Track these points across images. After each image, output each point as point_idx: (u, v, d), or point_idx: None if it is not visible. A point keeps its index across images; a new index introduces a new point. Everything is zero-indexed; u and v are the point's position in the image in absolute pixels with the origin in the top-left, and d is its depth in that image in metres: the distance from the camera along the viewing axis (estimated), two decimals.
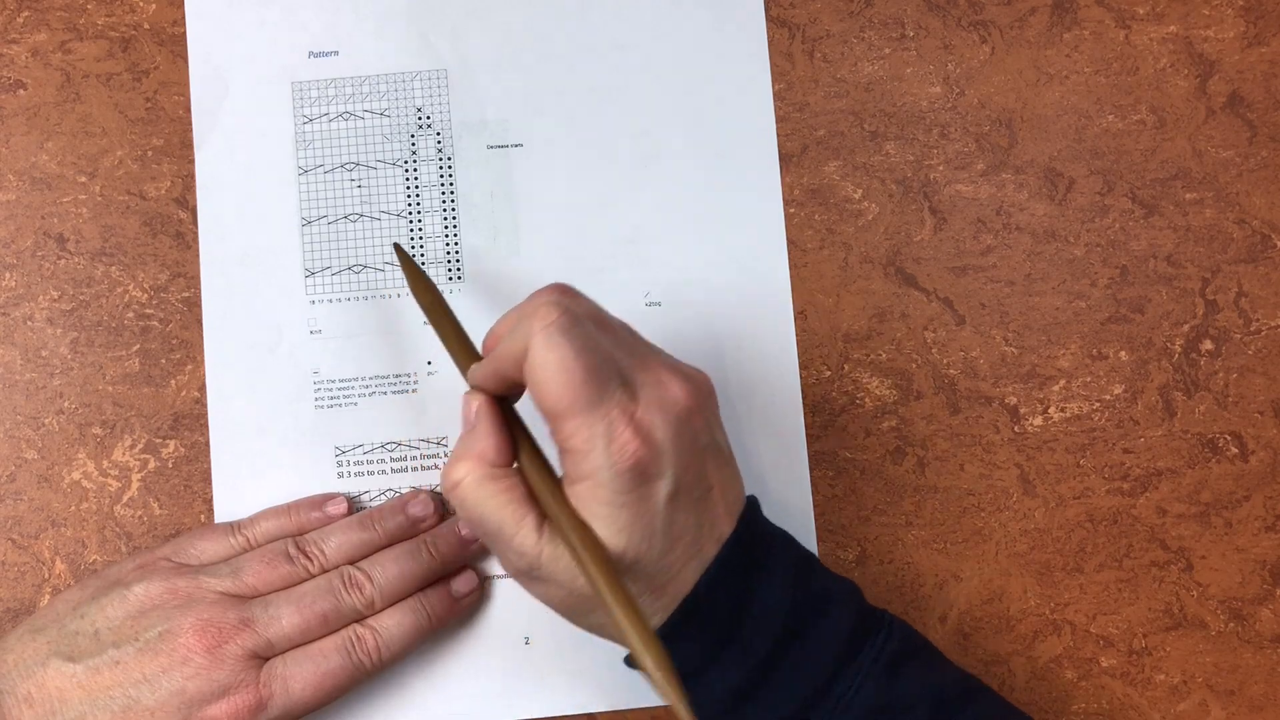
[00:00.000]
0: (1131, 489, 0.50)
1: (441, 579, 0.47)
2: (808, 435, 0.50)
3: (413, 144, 0.51)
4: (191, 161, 0.50)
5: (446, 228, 0.50)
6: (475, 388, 0.40)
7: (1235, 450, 0.51)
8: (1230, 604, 0.50)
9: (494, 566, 0.49)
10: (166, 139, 0.50)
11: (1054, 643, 0.50)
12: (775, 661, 0.38)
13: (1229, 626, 0.50)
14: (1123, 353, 0.51)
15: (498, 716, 0.48)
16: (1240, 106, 0.52)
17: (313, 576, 0.45)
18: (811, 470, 0.50)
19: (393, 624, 0.45)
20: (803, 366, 0.50)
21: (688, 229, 0.51)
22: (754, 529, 0.40)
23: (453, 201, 0.50)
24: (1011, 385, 0.51)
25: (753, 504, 0.40)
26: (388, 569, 0.45)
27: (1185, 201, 0.51)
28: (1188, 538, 0.50)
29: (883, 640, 0.39)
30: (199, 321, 0.50)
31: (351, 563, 0.45)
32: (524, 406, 0.40)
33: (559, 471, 0.38)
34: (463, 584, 0.47)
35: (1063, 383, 0.51)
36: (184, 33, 0.51)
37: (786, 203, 0.51)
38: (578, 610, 0.38)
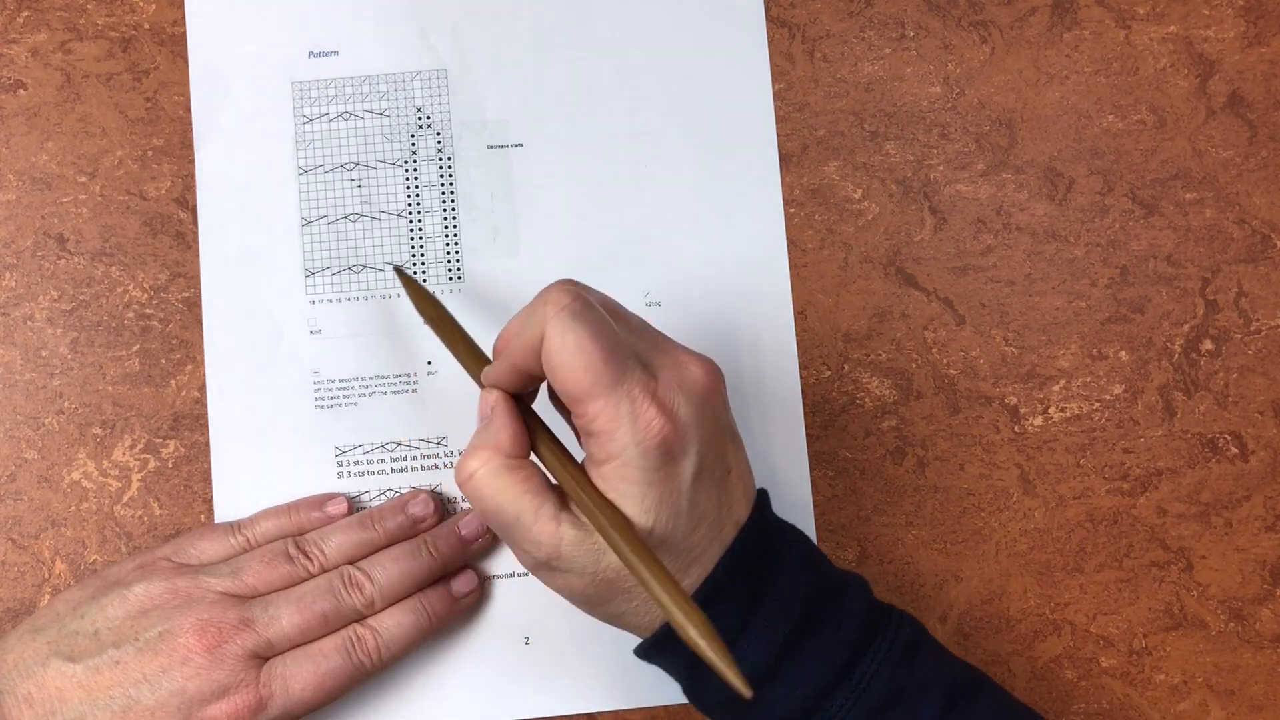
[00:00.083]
0: (1131, 489, 0.50)
1: (441, 579, 0.47)
2: (808, 435, 0.50)
3: (413, 144, 0.51)
4: (191, 161, 0.50)
5: (446, 228, 0.50)
6: (490, 388, 0.40)
7: (1235, 450, 0.51)
8: (1230, 604, 0.50)
9: (494, 566, 0.49)
10: (166, 139, 0.50)
11: (1054, 643, 0.50)
12: (793, 646, 0.38)
13: (1229, 626, 0.50)
14: (1123, 353, 0.51)
15: (498, 716, 0.48)
16: (1240, 106, 0.52)
17: (313, 576, 0.45)
18: (811, 470, 0.50)
19: (393, 624, 0.45)
20: (803, 366, 0.50)
21: (688, 229, 0.51)
22: (768, 516, 0.40)
23: (453, 201, 0.50)
24: (1011, 385, 0.51)
25: (764, 494, 0.41)
26: (388, 569, 0.45)
27: (1185, 201, 0.51)
28: (1188, 538, 0.50)
29: (894, 628, 0.39)
30: (199, 321, 0.50)
31: (351, 563, 0.45)
32: (540, 407, 0.40)
33: (577, 462, 0.38)
34: (463, 584, 0.47)
35: (1063, 383, 0.51)
36: (184, 33, 0.51)
37: (786, 203, 0.51)
38: (598, 598, 0.38)
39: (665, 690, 0.48)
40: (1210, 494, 0.50)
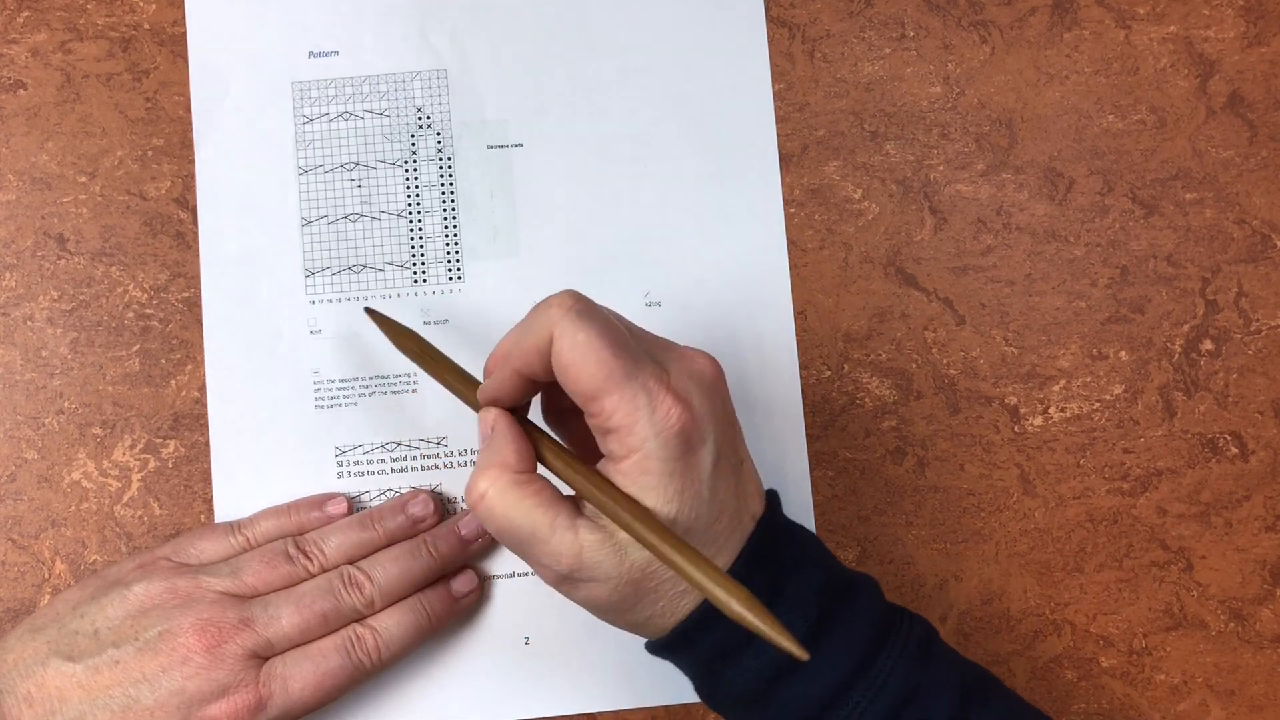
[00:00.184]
0: (1131, 489, 0.50)
1: (441, 579, 0.47)
2: (808, 435, 0.50)
3: (413, 144, 0.51)
4: (191, 161, 0.50)
5: (446, 228, 0.50)
6: (488, 403, 0.39)
7: (1235, 450, 0.51)
8: (1230, 604, 0.50)
9: (494, 566, 0.49)
10: (166, 139, 0.50)
11: (1054, 643, 0.50)
12: (810, 643, 0.38)
13: (1229, 626, 0.50)
14: (1123, 353, 0.51)
15: (498, 716, 0.48)
16: (1240, 106, 0.52)
17: (312, 576, 0.45)
18: (811, 470, 0.50)
19: (392, 624, 0.45)
20: (803, 366, 0.50)
21: (688, 229, 0.51)
22: (780, 515, 0.40)
23: (453, 201, 0.50)
24: (1011, 385, 0.51)
25: (775, 494, 0.41)
26: (388, 569, 0.45)
27: (1185, 201, 0.51)
28: (1188, 538, 0.50)
29: (907, 627, 0.39)
30: (199, 321, 0.50)
31: (351, 562, 0.45)
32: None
33: (587, 467, 0.38)
34: (463, 584, 0.47)
35: (1063, 383, 0.51)
36: (184, 33, 0.51)
37: (786, 203, 0.51)
38: (624, 604, 0.38)
39: (665, 690, 0.48)
40: (1210, 494, 0.50)
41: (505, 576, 0.49)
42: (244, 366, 0.49)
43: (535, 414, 0.41)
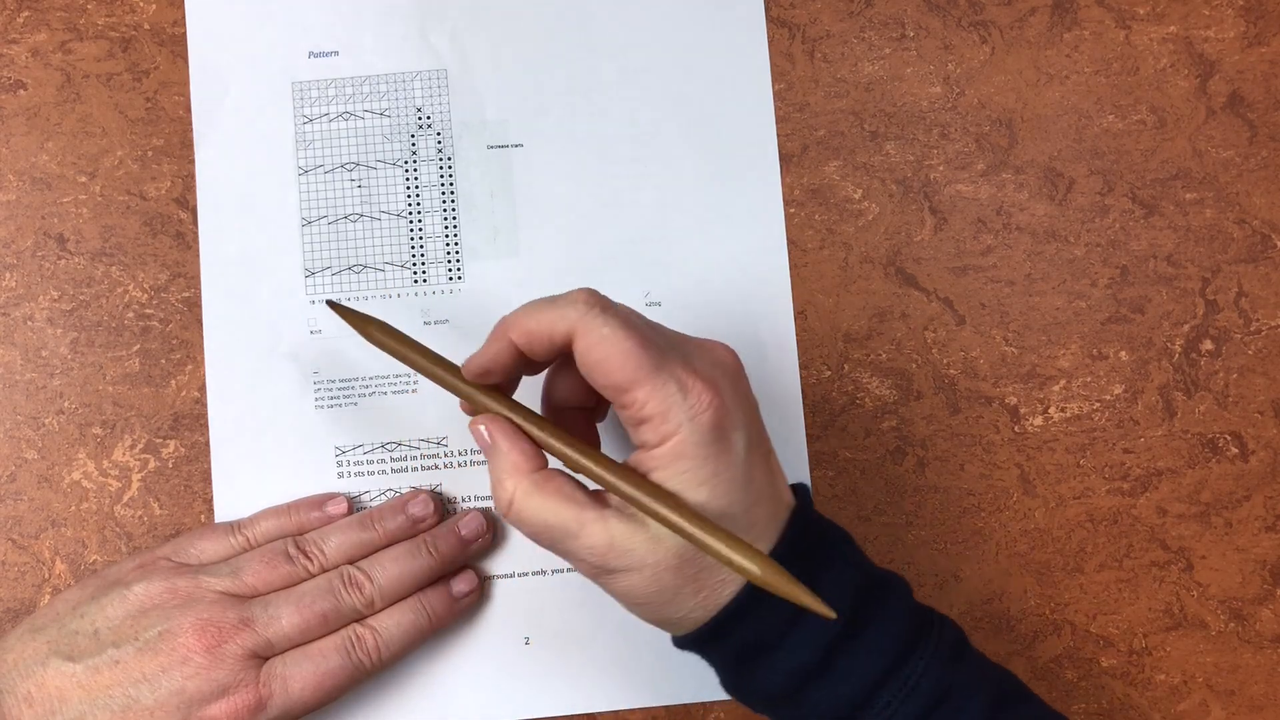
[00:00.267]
0: (1131, 489, 0.50)
1: (441, 579, 0.47)
2: (808, 435, 0.50)
3: (413, 144, 0.51)
4: (191, 161, 0.50)
5: (446, 228, 0.50)
6: (474, 373, 0.39)
7: (1235, 450, 0.51)
8: (1230, 604, 0.50)
9: (494, 566, 0.49)
10: (166, 139, 0.50)
11: (1054, 643, 0.50)
12: (845, 640, 0.38)
13: (1229, 626, 0.50)
14: (1123, 353, 0.51)
15: (498, 716, 0.48)
16: (1240, 106, 0.52)
17: (313, 576, 0.45)
18: (811, 470, 0.50)
19: (392, 624, 0.45)
20: (803, 366, 0.50)
21: (688, 229, 0.51)
22: (813, 507, 0.40)
23: (453, 201, 0.50)
24: (1011, 385, 0.51)
25: (806, 487, 0.40)
26: (388, 569, 0.45)
27: (1185, 201, 0.51)
28: (1188, 538, 0.50)
29: (939, 628, 0.39)
30: (199, 321, 0.50)
31: (351, 562, 0.45)
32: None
33: (614, 460, 0.38)
34: (463, 584, 0.47)
35: (1063, 383, 0.51)
36: (184, 33, 0.51)
37: (786, 203, 0.51)
38: (662, 595, 0.37)
39: (665, 690, 0.48)
40: (1210, 494, 0.50)
41: (505, 576, 0.49)
42: (244, 366, 0.49)
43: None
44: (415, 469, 0.49)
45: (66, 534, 0.49)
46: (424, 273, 0.50)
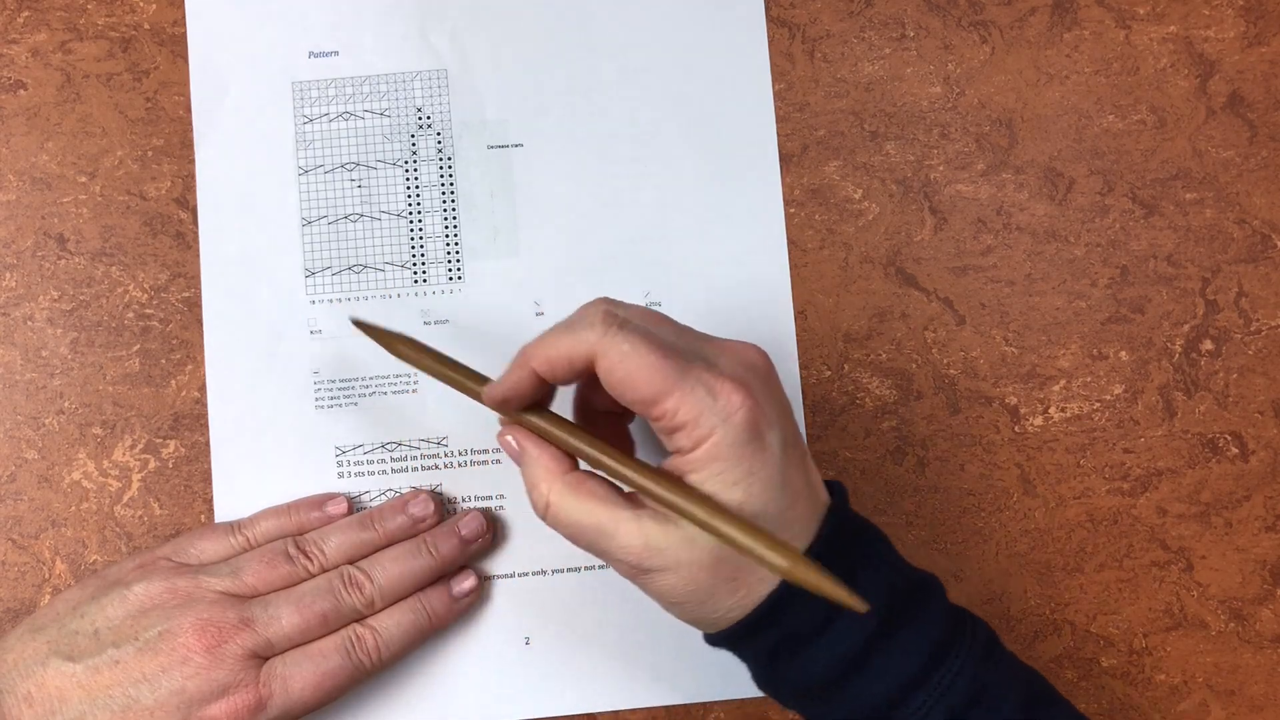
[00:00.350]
0: (1132, 489, 0.50)
1: (441, 579, 0.47)
2: (808, 435, 0.50)
3: (413, 144, 0.51)
4: (191, 161, 0.50)
5: (446, 228, 0.50)
6: (496, 402, 0.39)
7: (1235, 450, 0.51)
8: (1230, 604, 0.50)
9: (494, 566, 0.49)
10: (166, 139, 0.50)
11: (1054, 643, 0.50)
12: (881, 638, 0.38)
13: (1229, 626, 0.50)
14: (1123, 353, 0.51)
15: (498, 716, 0.48)
16: (1240, 106, 0.52)
17: (313, 576, 0.45)
18: None
19: (392, 624, 0.45)
20: (803, 366, 0.50)
21: (688, 229, 0.51)
22: (849, 506, 0.40)
23: (453, 201, 0.50)
24: (1011, 385, 0.51)
25: (842, 485, 0.40)
26: (388, 569, 0.45)
27: (1185, 201, 0.51)
28: (1188, 538, 0.50)
29: (972, 628, 0.39)
30: (199, 321, 0.50)
31: (351, 562, 0.45)
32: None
33: (648, 464, 0.38)
34: (463, 584, 0.47)
35: (1063, 383, 0.51)
36: (184, 33, 0.51)
37: (786, 203, 0.51)
38: (700, 594, 0.37)
39: (665, 690, 0.48)
40: (1210, 494, 0.50)
41: (505, 576, 0.49)
42: (244, 366, 0.49)
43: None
44: (415, 469, 0.49)
45: (66, 534, 0.49)
46: (424, 273, 0.50)
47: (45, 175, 0.50)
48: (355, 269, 0.50)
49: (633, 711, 0.49)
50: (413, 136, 0.51)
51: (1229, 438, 0.51)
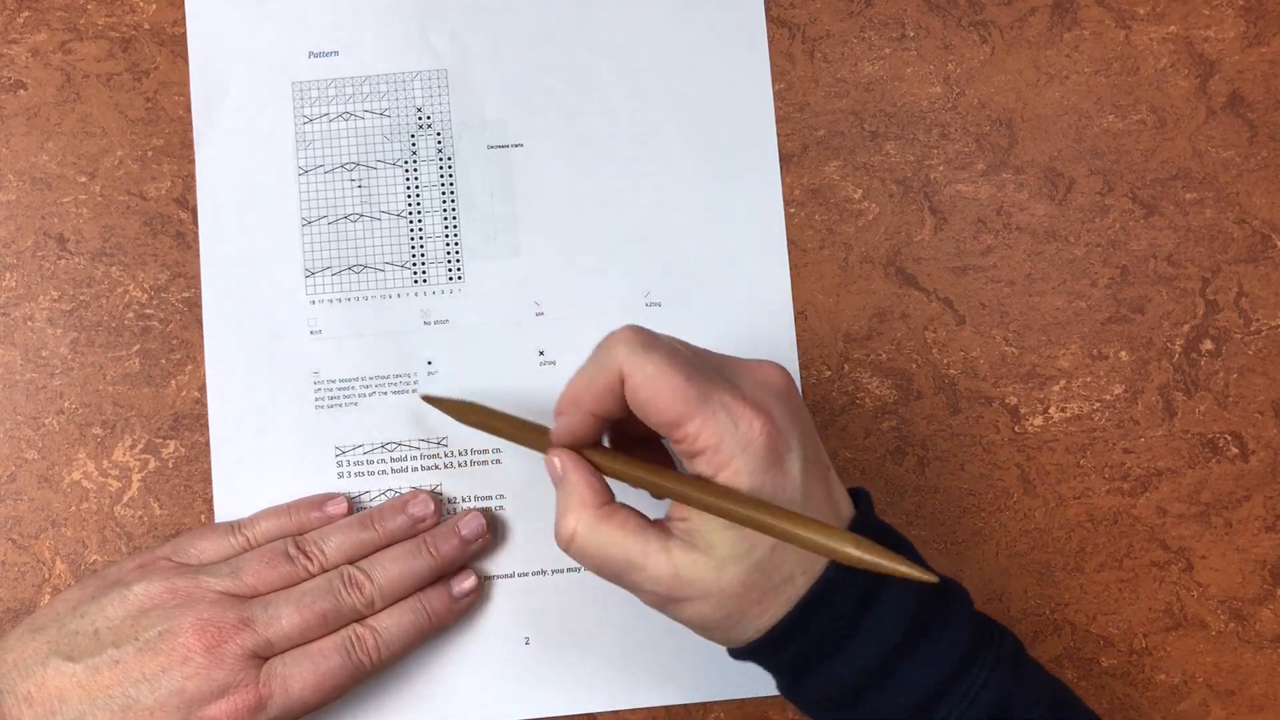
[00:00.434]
0: (1131, 489, 0.50)
1: (441, 579, 0.47)
2: None
3: (413, 144, 0.51)
4: (191, 161, 0.50)
5: (446, 228, 0.50)
6: (563, 446, 0.39)
7: (1235, 450, 0.51)
8: (1230, 604, 0.50)
9: (494, 566, 0.49)
10: (166, 139, 0.50)
11: (1054, 643, 0.50)
12: (907, 647, 0.38)
13: (1229, 626, 0.50)
14: (1123, 353, 0.51)
15: (498, 716, 0.48)
16: (1240, 106, 0.52)
17: (312, 576, 0.45)
18: None
19: (392, 624, 0.45)
20: (803, 366, 0.50)
21: (688, 229, 0.51)
22: (873, 514, 0.40)
23: (453, 201, 0.50)
24: (1011, 385, 0.51)
25: (868, 494, 0.40)
26: (388, 569, 0.45)
27: (1185, 201, 0.51)
28: (1188, 538, 0.50)
29: (999, 638, 0.39)
30: (199, 321, 0.50)
31: (351, 562, 0.45)
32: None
33: (676, 471, 0.38)
34: (463, 584, 0.47)
35: (1063, 383, 0.51)
36: (184, 33, 0.51)
37: (786, 203, 0.51)
38: (730, 619, 0.37)
39: (665, 690, 0.48)
40: (1210, 494, 0.50)
41: (505, 576, 0.49)
42: (244, 366, 0.49)
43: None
44: (415, 469, 0.49)
45: (66, 534, 0.49)
46: (424, 273, 0.50)
47: (45, 175, 0.50)
48: (355, 269, 0.50)
49: (633, 711, 0.49)
50: (413, 136, 0.51)
51: (1229, 438, 0.51)
